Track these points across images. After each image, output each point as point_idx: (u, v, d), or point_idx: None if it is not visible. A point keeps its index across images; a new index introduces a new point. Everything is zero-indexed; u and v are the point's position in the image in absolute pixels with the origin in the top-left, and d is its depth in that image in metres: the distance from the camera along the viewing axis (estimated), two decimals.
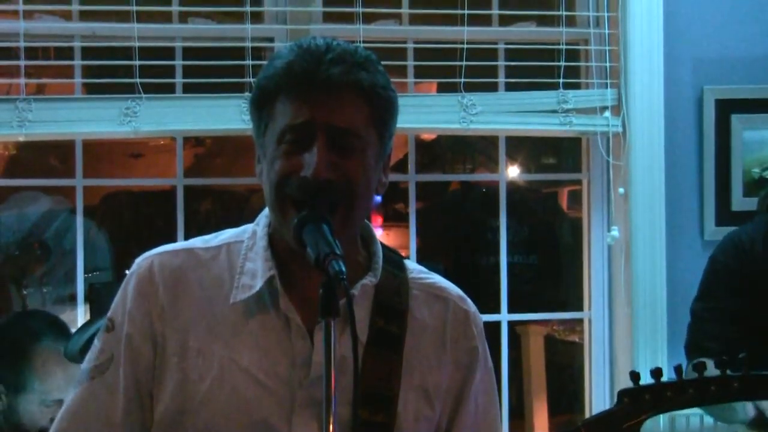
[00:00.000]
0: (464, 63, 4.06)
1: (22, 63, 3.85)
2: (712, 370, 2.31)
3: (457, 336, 2.02)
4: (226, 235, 2.03)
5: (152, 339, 1.92)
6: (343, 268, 1.66)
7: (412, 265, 2.08)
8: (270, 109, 1.86)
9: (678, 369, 2.30)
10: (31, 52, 3.93)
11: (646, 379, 2.20)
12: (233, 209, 5.76)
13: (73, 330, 3.60)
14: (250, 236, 1.98)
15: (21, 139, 3.85)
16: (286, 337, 1.89)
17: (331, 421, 1.64)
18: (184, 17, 4.06)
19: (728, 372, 2.27)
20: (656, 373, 2.25)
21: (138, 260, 2.00)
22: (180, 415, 1.88)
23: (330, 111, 1.82)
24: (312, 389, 1.86)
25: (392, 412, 1.90)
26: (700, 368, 2.31)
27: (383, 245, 2.04)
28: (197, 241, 2.03)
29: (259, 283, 1.90)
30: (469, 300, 2.08)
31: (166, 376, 1.90)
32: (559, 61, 4.14)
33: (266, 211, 1.99)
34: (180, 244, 2.03)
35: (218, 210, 5.80)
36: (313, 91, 1.82)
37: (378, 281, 1.96)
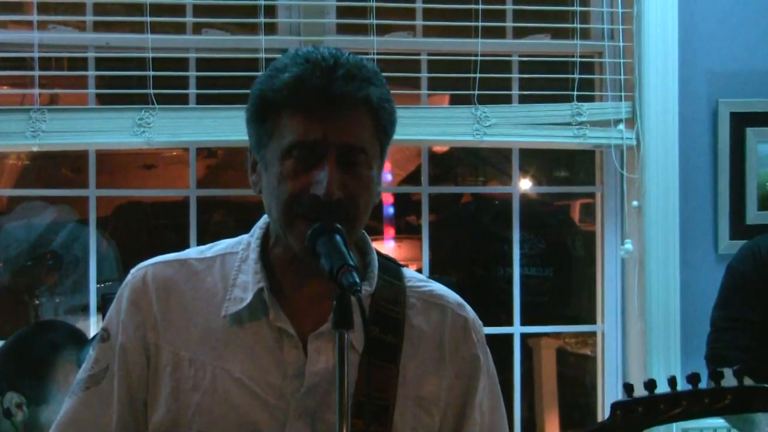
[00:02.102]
0: (478, 75, 4.06)
1: (36, 73, 3.86)
2: (730, 379, 2.30)
3: (456, 344, 2.01)
4: (222, 245, 2.04)
5: (145, 350, 1.93)
6: (357, 280, 1.66)
7: (409, 273, 2.07)
8: (274, 123, 1.85)
9: (672, 381, 2.29)
10: (45, 63, 3.94)
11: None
12: (245, 220, 5.76)
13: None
14: (244, 248, 1.99)
15: (34, 149, 3.86)
16: (278, 347, 1.89)
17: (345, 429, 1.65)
18: (197, 29, 4.07)
19: (722, 384, 2.26)
20: (649, 385, 2.24)
21: (132, 271, 2.01)
22: (174, 425, 1.89)
23: (341, 129, 1.82)
24: (305, 400, 1.87)
25: (387, 422, 1.90)
26: (694, 380, 2.30)
27: (380, 254, 2.04)
28: (192, 252, 2.04)
29: (249, 296, 1.90)
30: (468, 307, 2.07)
31: (159, 386, 1.91)
32: (573, 73, 4.13)
33: (260, 222, 2.01)
34: (174, 255, 2.03)
35: (230, 221, 5.79)
36: (324, 108, 1.81)
37: (374, 290, 1.96)
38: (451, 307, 2.04)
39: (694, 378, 2.27)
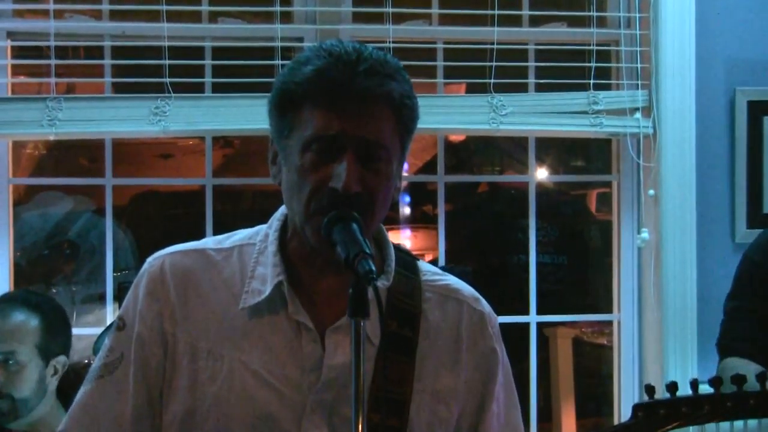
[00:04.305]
0: (494, 64, 4.05)
1: (53, 62, 3.87)
2: (752, 383, 2.29)
3: (474, 338, 2.01)
4: (239, 236, 2.03)
5: (163, 340, 1.92)
6: (373, 267, 1.65)
7: (425, 266, 2.07)
8: (295, 115, 1.85)
9: (694, 384, 2.28)
10: (62, 52, 3.95)
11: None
12: (261, 210, 5.77)
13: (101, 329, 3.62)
14: (262, 239, 1.98)
15: (51, 138, 3.86)
16: (296, 340, 1.89)
17: (360, 420, 1.64)
18: (213, 17, 4.07)
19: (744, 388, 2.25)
20: (671, 387, 2.23)
21: (149, 260, 2.01)
22: (190, 416, 1.89)
23: (361, 123, 1.81)
24: (323, 393, 1.86)
25: (404, 416, 1.90)
26: (716, 384, 2.29)
27: (396, 247, 2.04)
28: (209, 242, 2.03)
29: (268, 289, 1.90)
30: (483, 300, 2.07)
31: (176, 377, 1.91)
32: (589, 62, 4.12)
33: (278, 213, 2.00)
34: (192, 245, 2.02)
35: (246, 210, 5.80)
36: (345, 103, 1.81)
37: (391, 284, 1.95)
38: (467, 301, 2.04)
39: (716, 381, 2.27)
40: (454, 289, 2.05)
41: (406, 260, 2.04)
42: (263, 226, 2.01)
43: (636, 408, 2.29)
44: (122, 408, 1.93)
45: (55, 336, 3.29)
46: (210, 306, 1.93)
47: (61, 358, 3.30)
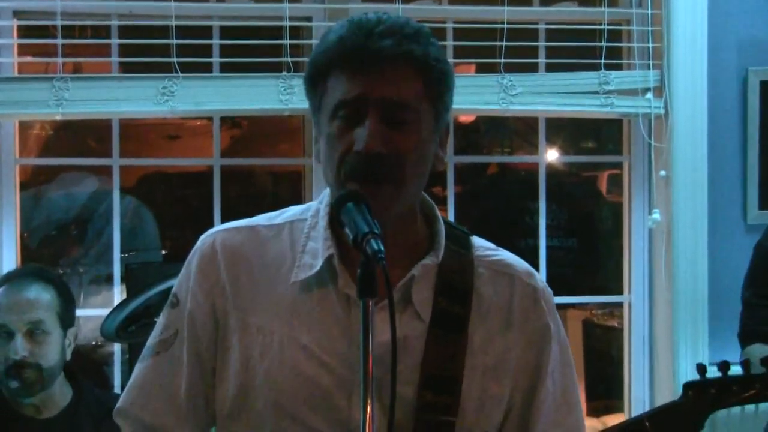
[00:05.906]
0: (504, 43, 4.02)
1: (60, 42, 3.85)
2: None
3: (526, 314, 1.98)
4: (291, 212, 2.02)
5: (214, 316, 1.93)
6: (382, 247, 1.63)
7: (479, 242, 2.04)
8: (323, 85, 1.86)
9: (746, 363, 2.26)
10: (69, 31, 3.94)
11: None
12: (271, 190, 5.76)
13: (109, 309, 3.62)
14: (313, 214, 1.97)
15: (58, 118, 3.86)
16: (345, 315, 1.87)
17: (369, 401, 1.64)
18: None
19: None
20: (723, 366, 2.21)
21: (202, 237, 2.01)
22: (243, 392, 1.89)
23: (381, 84, 1.80)
24: (373, 368, 1.84)
25: (456, 393, 1.88)
26: (745, 365, 2.27)
27: (449, 223, 2.01)
28: (262, 219, 2.02)
29: (319, 263, 1.89)
30: (537, 275, 2.04)
31: (228, 353, 1.92)
32: (600, 41, 4.09)
33: (328, 188, 1.98)
34: (244, 222, 2.02)
35: (254, 191, 5.79)
36: (364, 65, 1.80)
37: (441, 261, 1.93)
38: (520, 275, 2.01)
39: (745, 363, 2.25)
40: (507, 264, 2.02)
41: (459, 236, 2.02)
42: (315, 202, 2.01)
43: (686, 387, 2.28)
44: (178, 384, 1.95)
45: (68, 307, 3.32)
46: (260, 282, 1.93)
47: (74, 330, 3.34)
